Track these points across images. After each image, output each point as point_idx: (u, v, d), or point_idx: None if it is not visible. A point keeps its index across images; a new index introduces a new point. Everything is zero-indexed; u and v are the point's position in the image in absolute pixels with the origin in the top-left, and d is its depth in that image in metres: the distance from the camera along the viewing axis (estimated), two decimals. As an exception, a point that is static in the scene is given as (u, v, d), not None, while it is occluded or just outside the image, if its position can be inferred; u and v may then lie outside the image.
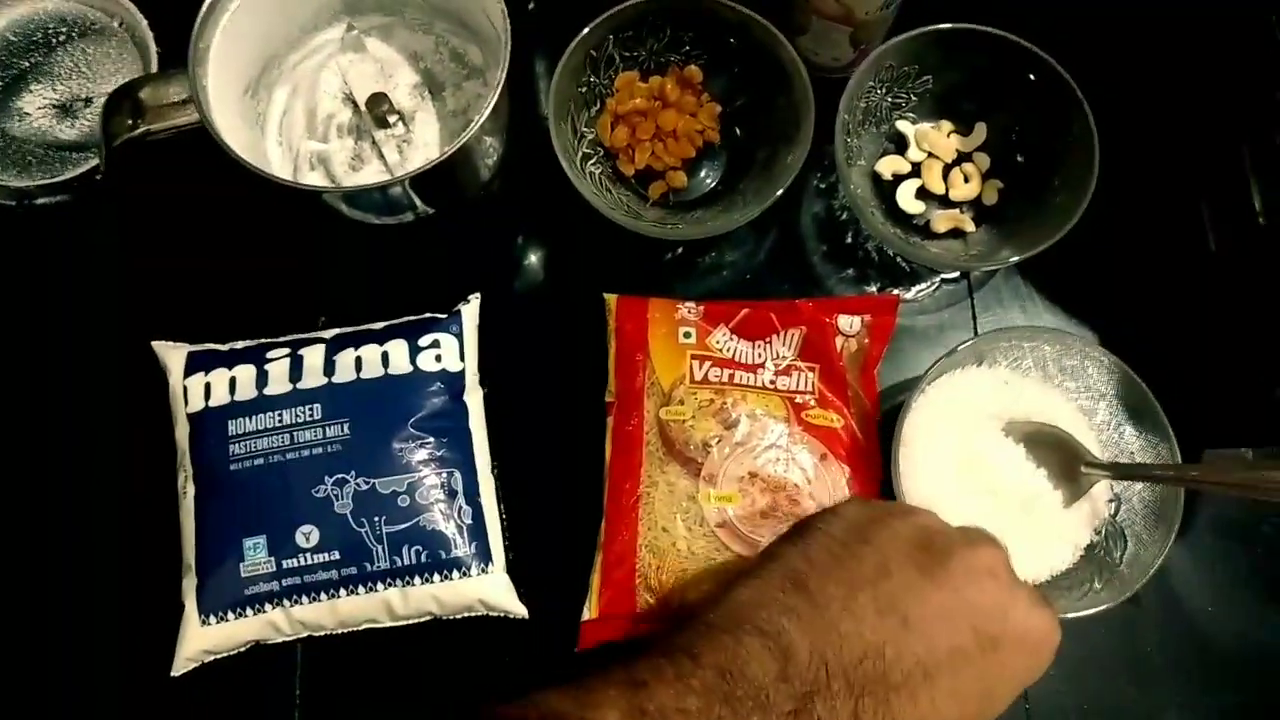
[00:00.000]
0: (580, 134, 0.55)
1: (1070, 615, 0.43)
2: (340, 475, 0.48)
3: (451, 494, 0.48)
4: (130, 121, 0.46)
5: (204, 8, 0.46)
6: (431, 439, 0.49)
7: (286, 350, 0.50)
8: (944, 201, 0.56)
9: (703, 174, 0.57)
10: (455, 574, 0.47)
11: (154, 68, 0.56)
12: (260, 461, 0.48)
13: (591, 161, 0.56)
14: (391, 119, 0.51)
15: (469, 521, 0.48)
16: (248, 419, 0.49)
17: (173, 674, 0.46)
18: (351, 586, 0.47)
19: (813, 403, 0.50)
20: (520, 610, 0.48)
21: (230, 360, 0.50)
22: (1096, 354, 0.48)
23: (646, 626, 0.46)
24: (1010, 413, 0.49)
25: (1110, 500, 0.48)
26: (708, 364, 0.50)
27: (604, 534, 0.48)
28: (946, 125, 0.56)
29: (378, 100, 0.50)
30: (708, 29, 0.54)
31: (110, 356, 0.53)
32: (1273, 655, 0.50)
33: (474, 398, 0.51)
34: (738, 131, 0.56)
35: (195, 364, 0.50)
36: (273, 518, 0.47)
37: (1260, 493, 0.39)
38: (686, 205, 0.56)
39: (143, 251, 0.55)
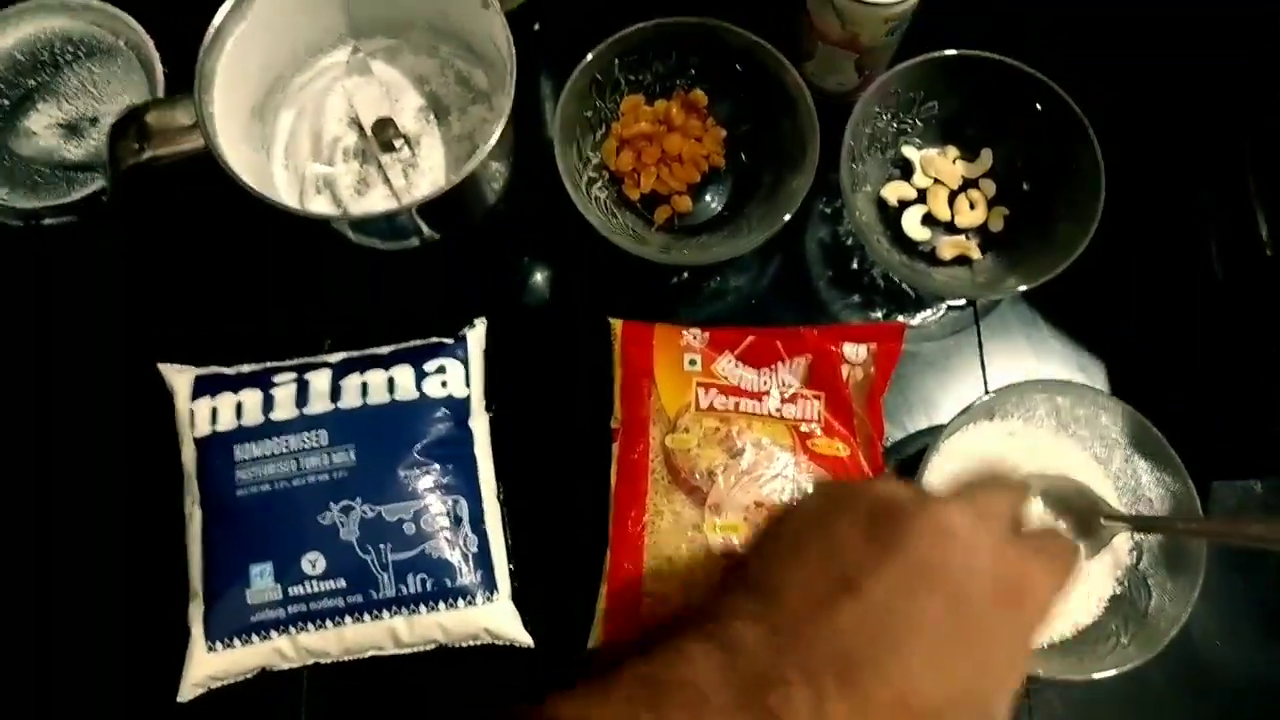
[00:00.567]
0: (586, 158, 0.55)
1: (1100, 675, 0.43)
2: (346, 502, 0.48)
3: (457, 521, 0.48)
4: (136, 146, 0.46)
5: (209, 32, 0.46)
6: (437, 465, 0.49)
7: (293, 375, 0.50)
8: (950, 228, 0.56)
9: (708, 198, 0.57)
10: (460, 602, 0.47)
11: (160, 88, 0.56)
12: (267, 487, 0.48)
13: (597, 185, 0.56)
14: (397, 144, 0.51)
15: (474, 549, 0.48)
16: (254, 444, 0.49)
17: (179, 700, 0.47)
18: (357, 614, 0.47)
19: (818, 431, 0.50)
20: (526, 639, 0.48)
21: (236, 384, 0.50)
22: (1107, 403, 0.48)
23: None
24: (1026, 466, 0.49)
25: (1132, 549, 0.48)
26: (713, 391, 0.50)
27: (609, 562, 0.48)
28: (952, 151, 0.56)
29: (383, 125, 0.50)
30: (714, 53, 0.54)
31: (117, 378, 0.53)
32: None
33: (479, 423, 0.51)
34: (743, 156, 0.56)
35: (202, 387, 0.50)
36: (279, 544, 0.47)
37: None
38: (692, 230, 0.56)
39: (150, 273, 0.55)
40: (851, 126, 0.52)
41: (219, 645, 0.47)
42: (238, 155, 0.47)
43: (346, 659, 0.48)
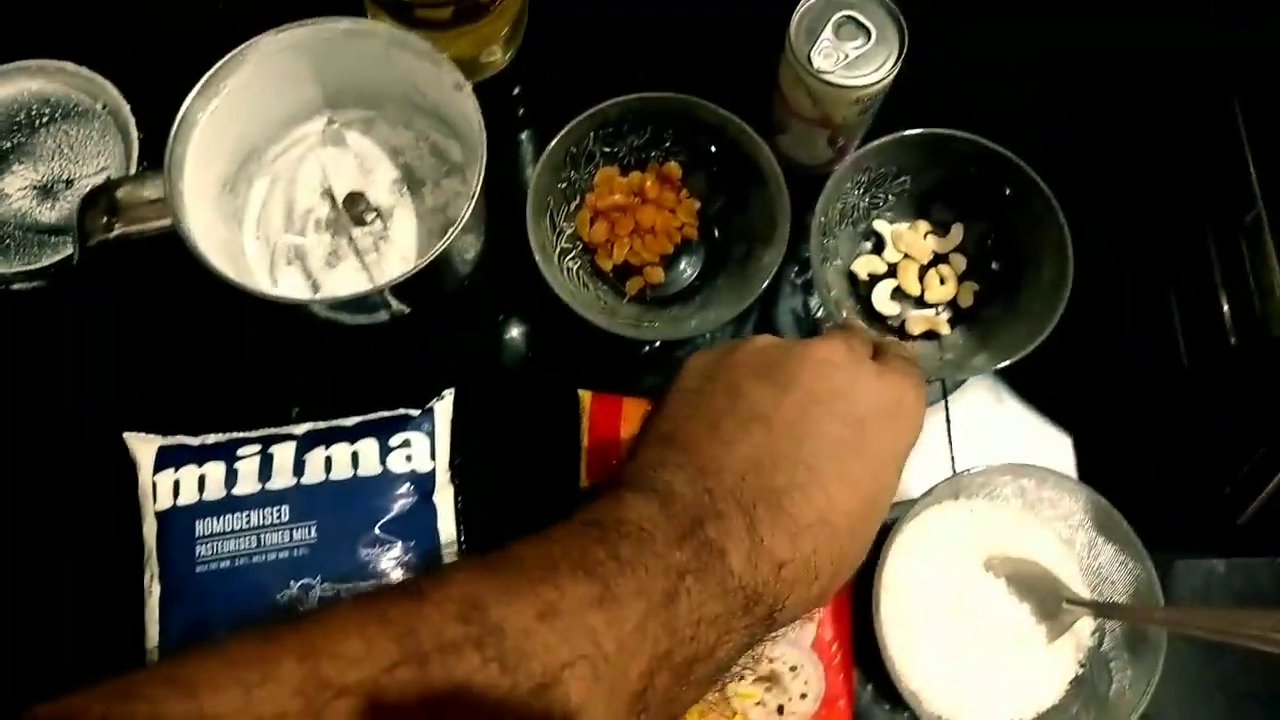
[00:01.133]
0: (559, 229, 0.55)
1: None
2: (306, 580, 0.47)
3: (419, 599, 0.48)
4: (105, 220, 0.46)
5: (180, 114, 0.46)
6: (399, 542, 0.48)
7: (257, 447, 0.50)
8: (919, 303, 0.56)
9: (681, 268, 0.57)
10: (420, 684, 0.46)
11: (135, 152, 0.56)
12: (227, 564, 0.48)
13: (570, 256, 0.56)
14: (369, 217, 0.51)
15: (436, 627, 0.48)
16: (215, 519, 0.48)
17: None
18: (315, 696, 0.46)
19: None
20: (484, 721, 0.47)
21: (201, 456, 0.50)
22: (1071, 486, 0.48)
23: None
24: (990, 548, 0.49)
25: (1094, 631, 0.48)
26: (680, 468, 0.50)
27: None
28: (923, 226, 0.56)
29: (355, 200, 0.51)
30: (688, 127, 0.54)
31: (83, 446, 0.53)
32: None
33: (444, 496, 0.50)
34: (716, 230, 0.57)
35: (165, 459, 0.50)
36: (237, 622, 0.47)
37: (1238, 638, 0.39)
38: (664, 301, 0.56)
39: (119, 339, 0.55)
40: (822, 202, 0.52)
41: (174, 725, 0.46)
42: (208, 230, 0.47)
43: (303, 741, 0.47)
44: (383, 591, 0.28)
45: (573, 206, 0.56)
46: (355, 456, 0.50)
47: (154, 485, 0.49)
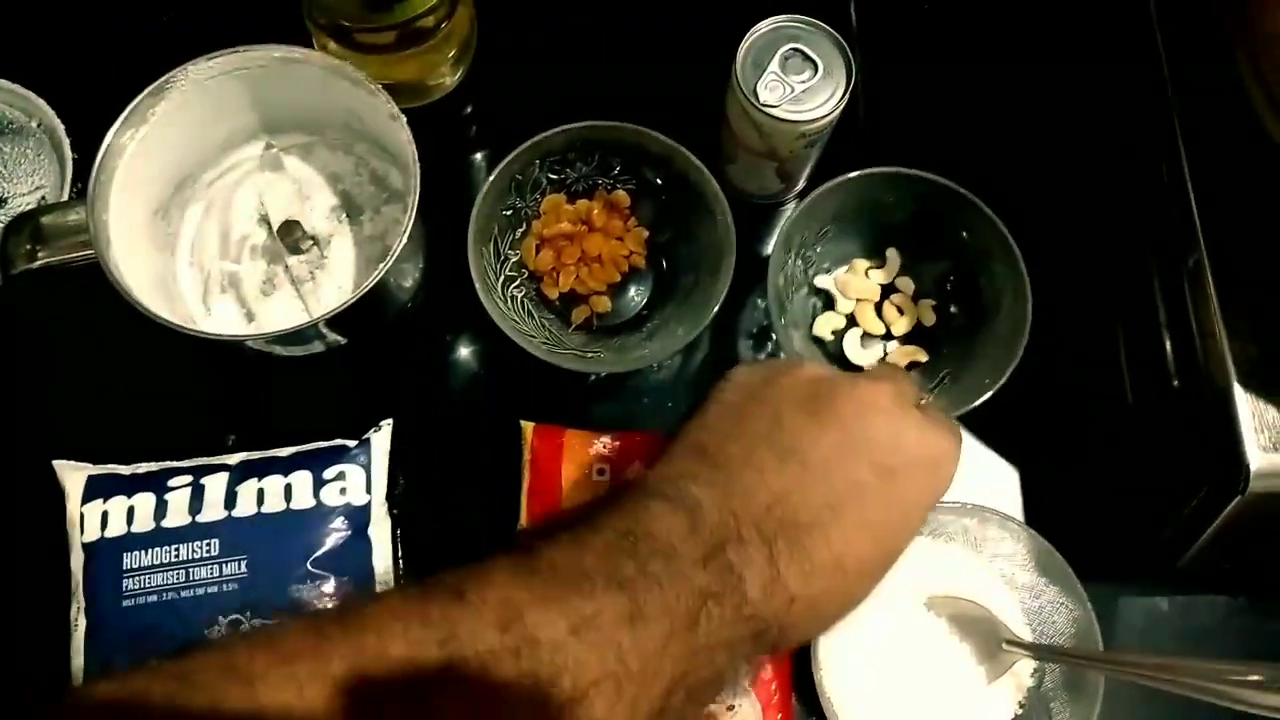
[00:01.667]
0: (504, 256, 0.55)
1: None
2: (235, 616, 0.46)
3: (350, 636, 0.47)
4: (29, 248, 0.45)
5: (105, 142, 0.45)
6: (332, 577, 0.47)
7: (189, 478, 0.49)
8: (888, 338, 0.55)
9: (629, 297, 0.56)
10: (349, 725, 0.46)
11: (70, 173, 0.55)
12: (154, 598, 0.47)
13: (514, 284, 0.55)
14: (305, 245, 0.50)
15: (368, 664, 0.47)
16: (143, 553, 0.47)
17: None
18: (241, 736, 0.45)
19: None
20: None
21: (131, 487, 0.49)
22: (1014, 527, 0.47)
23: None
24: (932, 587, 0.48)
25: (1034, 672, 0.48)
26: (620, 504, 0.49)
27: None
28: (861, 265, 0.56)
29: (290, 228, 0.50)
30: (636, 156, 0.54)
31: (11, 473, 0.52)
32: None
33: (379, 530, 0.50)
34: (664, 259, 0.56)
35: (94, 489, 0.49)
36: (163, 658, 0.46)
37: (1175, 685, 0.39)
38: (611, 330, 0.55)
39: (49, 364, 0.54)
40: (771, 292, 0.50)
41: (96, 765, 0.45)
42: (139, 259, 0.46)
43: (229, 781, 0.46)
44: (427, 588, 0.29)
45: (518, 234, 0.55)
46: (289, 489, 0.49)
47: (82, 516, 0.48)
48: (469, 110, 0.61)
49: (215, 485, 0.49)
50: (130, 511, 0.48)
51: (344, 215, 0.52)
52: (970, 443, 0.54)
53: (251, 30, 0.58)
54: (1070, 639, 0.47)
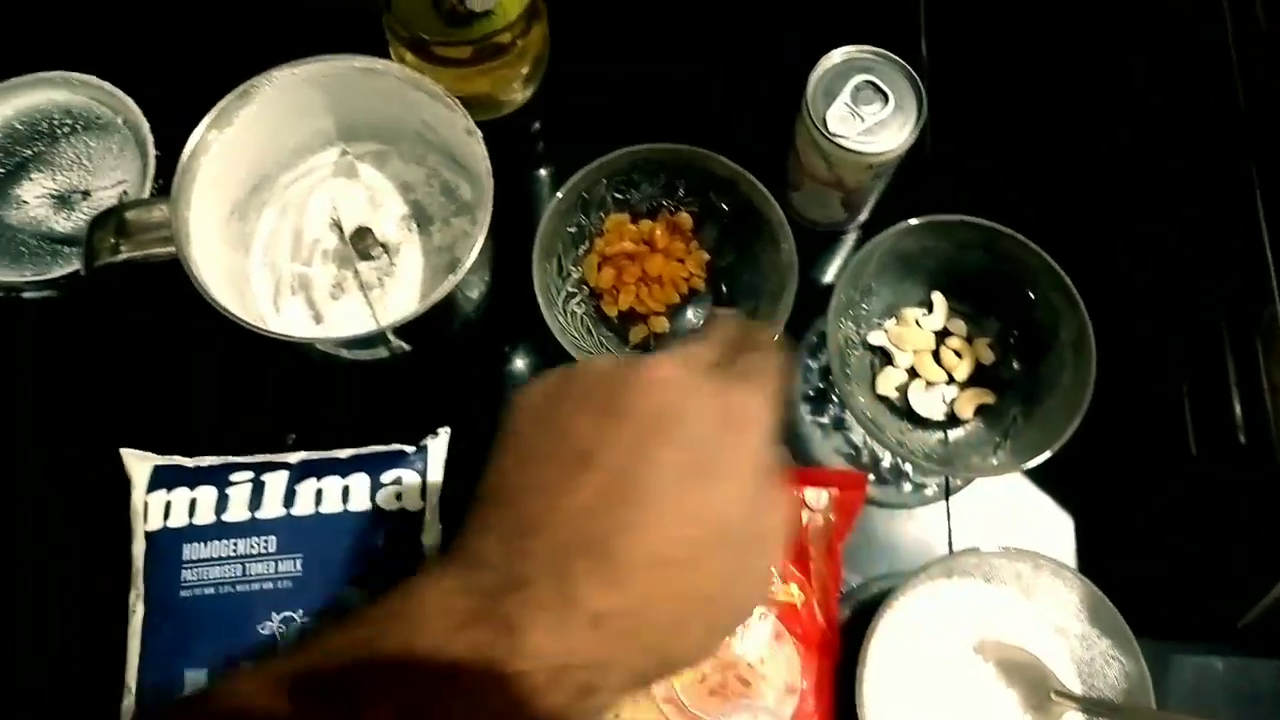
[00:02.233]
0: (566, 272, 0.55)
1: None
2: (288, 613, 0.47)
3: (398, 640, 0.48)
4: (113, 242, 0.47)
5: (191, 142, 0.46)
6: (383, 582, 0.48)
7: (250, 474, 0.50)
8: (949, 385, 0.55)
9: (688, 318, 0.56)
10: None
11: (152, 169, 0.57)
12: (211, 590, 0.48)
13: (575, 300, 0.55)
14: (375, 252, 0.51)
15: (413, 669, 0.47)
16: (203, 545, 0.48)
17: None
18: (287, 732, 0.46)
19: (774, 576, 0.49)
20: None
21: (194, 479, 0.50)
22: (1068, 576, 0.47)
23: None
24: (982, 630, 0.48)
25: None
26: (669, 526, 0.49)
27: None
28: (909, 313, 0.55)
29: (362, 234, 0.51)
30: (702, 180, 0.54)
31: (80, 458, 0.53)
32: None
33: (431, 538, 0.50)
34: (724, 284, 0.56)
35: (159, 479, 0.50)
36: (217, 651, 0.47)
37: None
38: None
39: (123, 355, 0.55)
40: (834, 366, 0.50)
41: (146, 748, 0.46)
42: (214, 256, 0.48)
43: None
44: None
45: (581, 251, 0.56)
46: (346, 491, 0.49)
47: (146, 505, 0.50)
48: (537, 126, 0.62)
49: (275, 483, 0.49)
50: (193, 504, 0.49)
51: (414, 224, 0.53)
52: (1026, 487, 0.54)
53: (331, 36, 0.60)
54: (1121, 694, 0.47)
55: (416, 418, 0.53)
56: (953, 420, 0.54)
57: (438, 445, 0.52)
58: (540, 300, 0.50)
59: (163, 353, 0.56)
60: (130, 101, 0.58)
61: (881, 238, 0.51)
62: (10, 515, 0.53)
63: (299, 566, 0.48)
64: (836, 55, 0.50)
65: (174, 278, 0.49)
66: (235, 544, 0.48)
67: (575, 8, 0.59)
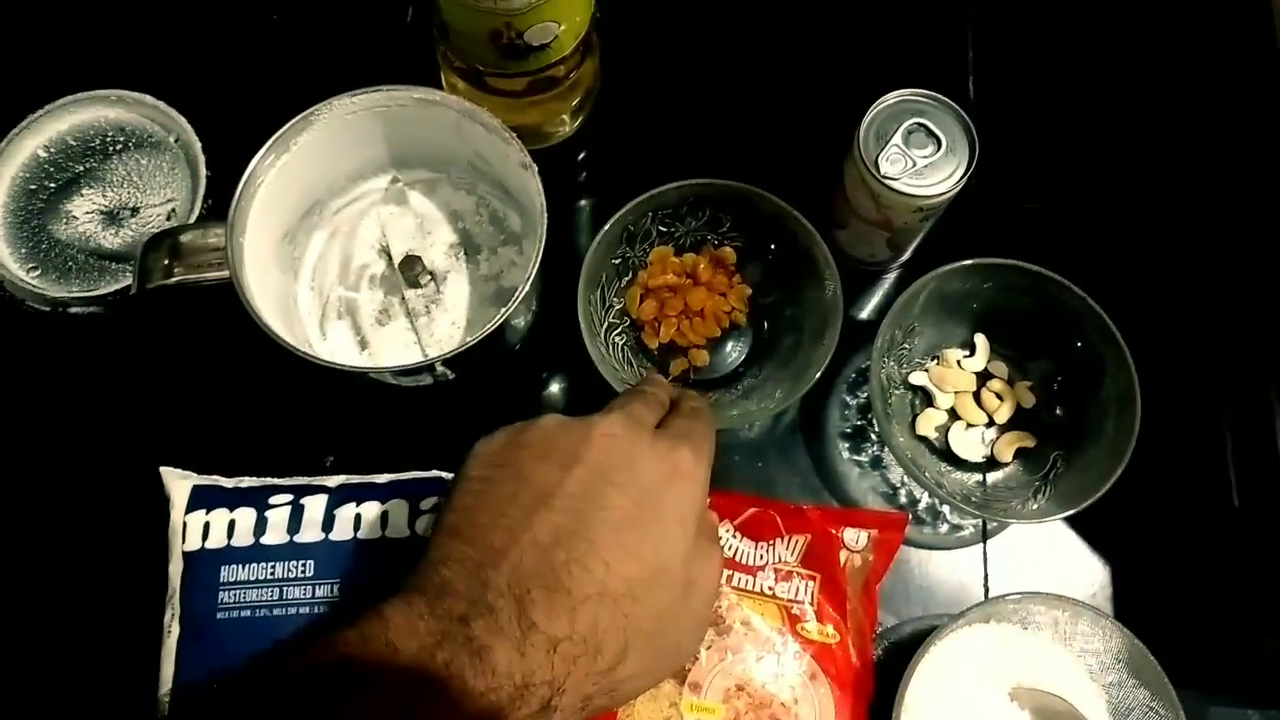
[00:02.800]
0: (609, 303, 0.55)
1: None
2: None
3: (434, 668, 0.48)
4: (166, 264, 0.47)
5: (249, 168, 0.46)
6: (420, 610, 0.48)
7: (289, 496, 0.50)
8: (991, 426, 0.55)
9: (727, 353, 0.56)
10: (426, 758, 0.46)
11: (203, 189, 0.57)
12: (248, 613, 0.48)
13: (616, 331, 0.56)
14: (424, 280, 0.51)
15: (448, 699, 0.47)
16: (241, 567, 0.48)
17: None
18: (321, 759, 0.46)
19: (810, 614, 0.49)
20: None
21: (233, 500, 0.50)
22: (1106, 624, 0.46)
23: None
24: (1018, 676, 0.47)
25: None
26: (708, 562, 0.49)
27: (581, 731, 0.47)
28: (951, 354, 0.55)
29: (412, 262, 0.51)
30: (747, 215, 0.54)
31: (119, 475, 0.53)
32: None
33: (469, 565, 0.50)
34: (766, 319, 0.56)
35: (198, 499, 0.50)
36: (252, 674, 0.47)
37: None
38: (707, 384, 0.56)
39: (166, 372, 0.56)
40: (877, 405, 0.50)
41: (178, 771, 0.46)
42: (263, 279, 0.48)
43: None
44: None
45: (624, 282, 0.56)
46: (385, 517, 0.49)
47: (185, 525, 0.50)
48: (582, 156, 0.62)
49: (314, 506, 0.50)
50: (231, 525, 0.49)
51: (462, 253, 0.53)
52: (1063, 531, 0.54)
53: (382, 62, 0.61)
54: (1160, 746, 0.46)
55: (455, 444, 0.53)
56: (992, 463, 0.54)
57: (477, 473, 0.52)
58: (584, 330, 0.51)
59: (203, 371, 0.56)
60: (183, 121, 0.58)
61: (927, 278, 0.51)
62: (48, 530, 0.53)
63: (336, 592, 0.48)
64: (890, 98, 0.50)
65: (218, 297, 0.49)
66: (273, 567, 0.48)
67: (627, 42, 0.60)
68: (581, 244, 0.58)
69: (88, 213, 0.58)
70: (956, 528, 0.54)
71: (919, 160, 0.49)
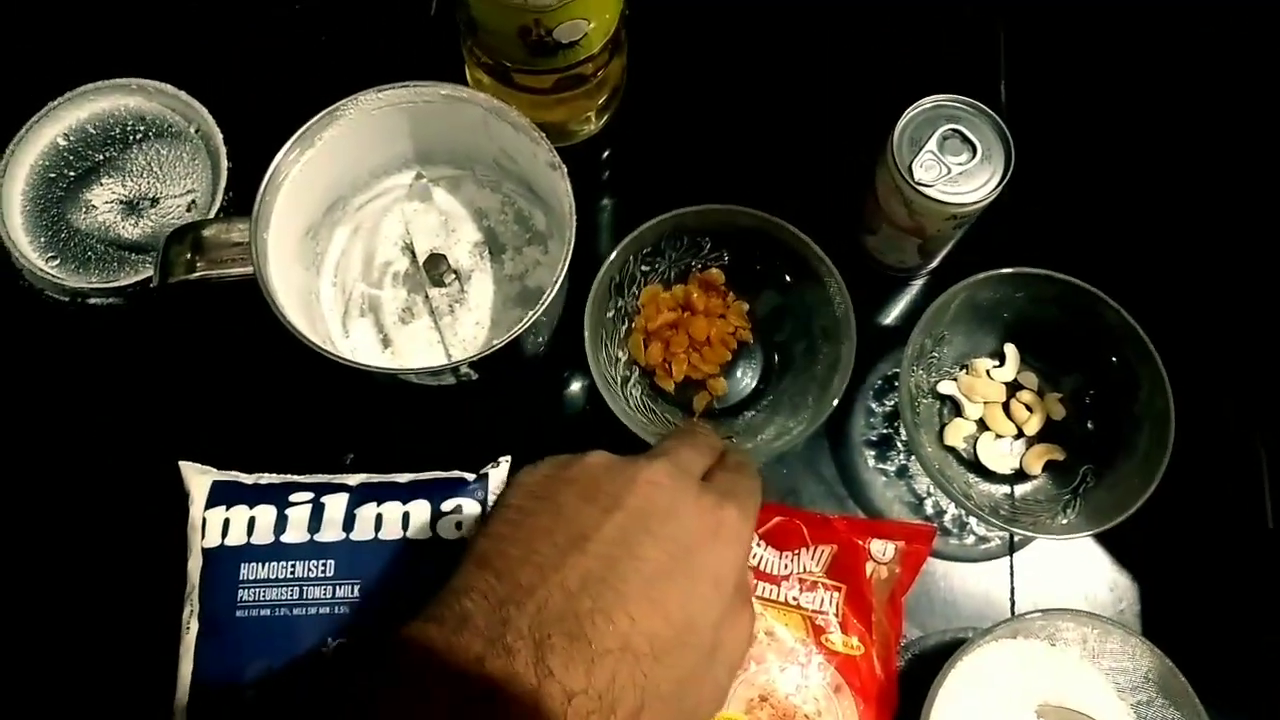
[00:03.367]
0: (615, 357, 0.54)
1: None
2: (342, 640, 0.47)
3: (454, 672, 0.47)
4: (189, 258, 0.46)
5: (274, 163, 0.46)
6: (440, 613, 0.48)
7: (310, 495, 0.49)
8: (1017, 439, 0.54)
9: (739, 376, 0.55)
10: (445, 764, 0.46)
11: (224, 181, 0.57)
12: (267, 612, 0.47)
13: (630, 384, 0.54)
14: (448, 279, 0.51)
15: (468, 702, 0.47)
16: (261, 565, 0.48)
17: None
18: (338, 761, 0.45)
19: (835, 625, 0.48)
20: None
21: (253, 497, 0.49)
22: (1137, 643, 0.46)
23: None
24: (1045, 693, 0.47)
25: None
26: (731, 570, 0.49)
27: (601, 738, 0.46)
28: (980, 364, 0.54)
29: (436, 261, 0.50)
30: (725, 232, 0.53)
31: (137, 469, 0.53)
32: None
33: (489, 568, 0.50)
34: (771, 334, 0.55)
35: (218, 495, 0.50)
36: (270, 674, 0.46)
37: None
38: (730, 410, 0.55)
39: (185, 367, 0.55)
40: (906, 415, 0.49)
41: (195, 771, 0.45)
42: (286, 275, 0.47)
43: (322, 804, 0.46)
44: None
45: (624, 332, 0.54)
46: (406, 518, 0.49)
47: (204, 521, 0.49)
48: (606, 155, 0.61)
49: (335, 505, 0.49)
50: (251, 522, 0.49)
51: (486, 252, 0.52)
52: (1091, 546, 0.53)
53: (402, 52, 0.60)
54: (1188, 767, 0.46)
55: (476, 445, 0.52)
56: (1020, 475, 0.53)
57: (498, 474, 0.51)
58: (603, 391, 0.49)
59: (223, 365, 0.55)
60: (205, 111, 0.58)
61: (959, 287, 0.50)
62: (65, 523, 0.53)
63: (356, 593, 0.47)
64: (926, 103, 0.49)
65: (239, 291, 0.49)
66: (293, 566, 0.48)
67: (654, 41, 0.59)
68: (601, 242, 0.57)
69: (107, 202, 0.58)
70: (983, 540, 0.53)
71: (953, 167, 0.49)
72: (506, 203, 0.53)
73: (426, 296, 0.51)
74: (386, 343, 0.51)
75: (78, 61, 0.59)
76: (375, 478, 0.51)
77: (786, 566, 0.49)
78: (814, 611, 0.48)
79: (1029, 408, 0.54)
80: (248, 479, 0.51)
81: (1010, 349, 0.54)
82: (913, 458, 0.54)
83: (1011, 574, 0.52)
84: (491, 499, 0.51)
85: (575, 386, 0.56)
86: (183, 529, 0.50)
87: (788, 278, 0.53)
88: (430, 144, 0.52)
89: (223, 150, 0.57)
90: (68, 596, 0.52)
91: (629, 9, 0.53)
